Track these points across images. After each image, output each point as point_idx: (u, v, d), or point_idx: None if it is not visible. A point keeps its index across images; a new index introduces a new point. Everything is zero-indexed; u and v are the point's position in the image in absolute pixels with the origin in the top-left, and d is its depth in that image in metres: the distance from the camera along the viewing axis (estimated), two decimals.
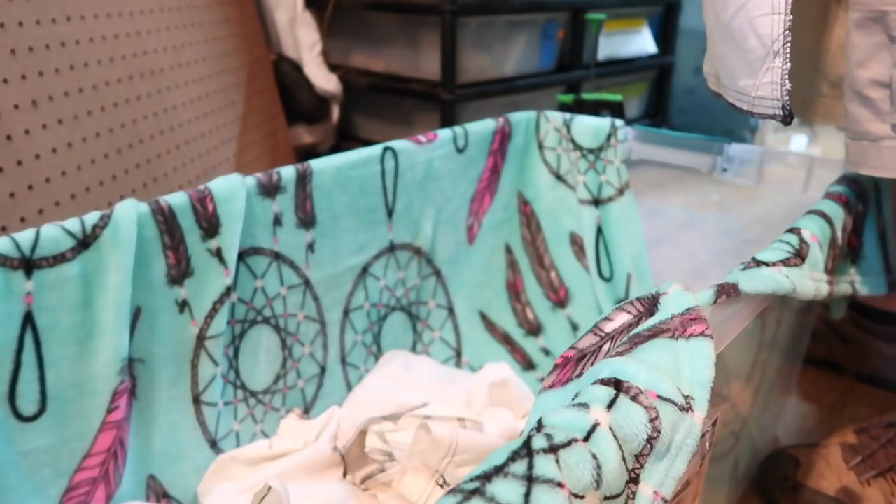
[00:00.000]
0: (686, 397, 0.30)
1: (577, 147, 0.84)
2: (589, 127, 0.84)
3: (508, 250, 0.89)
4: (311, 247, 0.69)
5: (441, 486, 0.58)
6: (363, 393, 0.71)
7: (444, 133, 0.79)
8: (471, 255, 0.86)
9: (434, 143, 0.78)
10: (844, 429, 0.75)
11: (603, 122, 0.83)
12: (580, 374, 0.34)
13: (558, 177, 0.87)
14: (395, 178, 0.75)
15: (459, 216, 0.84)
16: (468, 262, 0.86)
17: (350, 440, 0.64)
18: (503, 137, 0.85)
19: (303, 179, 0.67)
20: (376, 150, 0.73)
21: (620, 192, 0.83)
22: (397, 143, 0.74)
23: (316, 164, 0.68)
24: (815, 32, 0.77)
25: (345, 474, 0.65)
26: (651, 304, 0.36)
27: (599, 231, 0.84)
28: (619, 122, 0.83)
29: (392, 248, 0.77)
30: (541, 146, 0.87)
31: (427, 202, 0.79)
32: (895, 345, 0.90)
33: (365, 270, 0.75)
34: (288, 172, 0.66)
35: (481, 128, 0.83)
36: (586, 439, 0.26)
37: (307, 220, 0.68)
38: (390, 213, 0.76)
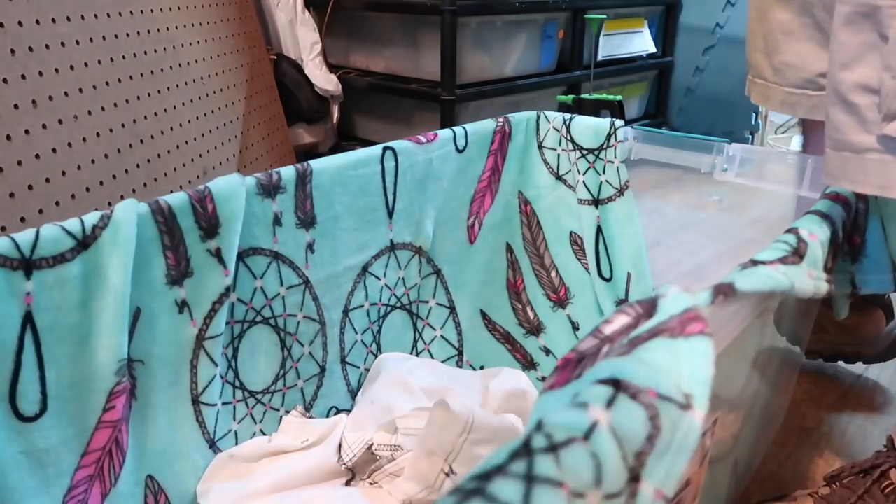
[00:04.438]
0: (686, 395, 0.30)
1: (577, 147, 0.84)
2: (589, 127, 0.84)
3: (509, 250, 0.89)
4: (310, 247, 0.69)
5: (447, 475, 0.58)
6: (370, 405, 0.71)
7: (444, 133, 0.79)
8: (471, 255, 0.86)
9: (434, 143, 0.78)
10: (816, 477, 0.74)
11: (603, 123, 0.83)
12: (579, 376, 0.34)
13: (558, 177, 0.87)
14: (396, 178, 0.75)
15: (460, 216, 0.84)
16: (469, 261, 0.86)
17: (357, 454, 0.63)
18: (503, 137, 0.85)
19: (303, 179, 0.67)
20: (376, 150, 0.73)
21: (620, 192, 0.83)
22: (397, 143, 0.74)
23: (316, 164, 0.68)
24: (762, 15, 0.77)
25: (348, 483, 0.64)
26: (650, 307, 0.36)
27: (599, 231, 0.84)
28: (618, 122, 0.83)
29: (392, 247, 0.77)
30: (541, 146, 0.87)
31: (427, 202, 0.79)
32: None
33: (365, 270, 0.75)
34: (288, 172, 0.66)
35: (481, 128, 0.83)
36: (586, 438, 0.26)
37: (307, 220, 0.68)
38: (390, 213, 0.76)
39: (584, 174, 0.84)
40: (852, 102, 0.52)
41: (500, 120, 0.85)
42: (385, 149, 0.73)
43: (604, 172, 0.83)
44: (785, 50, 0.76)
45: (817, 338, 0.90)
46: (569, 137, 0.85)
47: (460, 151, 0.81)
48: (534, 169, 0.88)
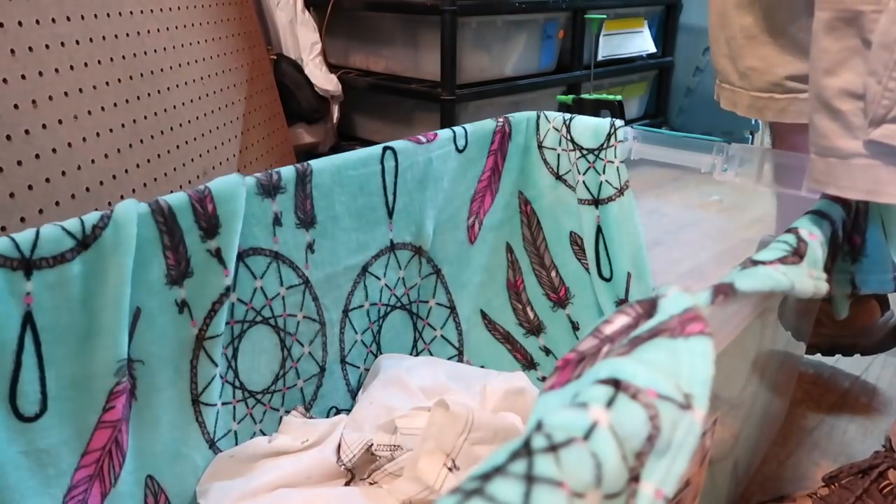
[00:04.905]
0: (686, 395, 0.30)
1: (577, 147, 0.84)
2: (588, 127, 0.84)
3: (509, 250, 0.89)
4: (310, 247, 0.69)
5: (451, 470, 0.58)
6: (369, 405, 0.71)
7: (444, 133, 0.79)
8: (472, 255, 0.86)
9: (434, 143, 0.78)
10: (815, 477, 0.73)
11: (602, 123, 0.83)
12: (579, 376, 0.34)
13: (558, 177, 0.87)
14: (396, 178, 0.75)
15: (460, 216, 0.84)
16: (469, 261, 0.86)
17: (356, 454, 0.63)
18: (503, 137, 0.85)
19: (303, 179, 0.67)
20: (376, 150, 0.73)
21: (620, 192, 0.83)
22: (397, 143, 0.74)
23: (316, 164, 0.68)
24: (724, 20, 0.77)
25: (348, 483, 0.64)
26: (650, 307, 0.36)
27: (599, 231, 0.84)
28: (618, 122, 0.83)
29: (392, 247, 0.77)
30: (541, 146, 0.87)
31: (427, 202, 0.79)
32: None
33: (365, 270, 0.75)
34: (288, 172, 0.66)
35: (481, 128, 0.83)
36: (586, 438, 0.26)
37: (307, 220, 0.68)
38: (390, 213, 0.76)
39: (584, 174, 0.84)
40: (837, 108, 0.51)
41: (500, 120, 0.85)
42: (385, 149, 0.73)
43: (604, 172, 0.83)
44: (748, 54, 0.75)
45: (813, 331, 0.90)
46: (569, 137, 0.85)
47: (460, 151, 0.81)
48: (534, 169, 0.88)
